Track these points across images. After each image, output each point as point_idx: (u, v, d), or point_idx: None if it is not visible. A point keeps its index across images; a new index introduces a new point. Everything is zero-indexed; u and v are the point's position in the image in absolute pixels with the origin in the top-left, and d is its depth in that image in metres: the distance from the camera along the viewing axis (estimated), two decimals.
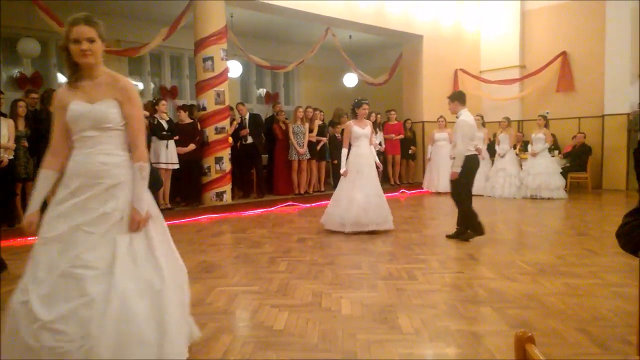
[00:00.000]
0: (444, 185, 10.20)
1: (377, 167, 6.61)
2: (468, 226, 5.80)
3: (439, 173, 10.64)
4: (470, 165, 5.72)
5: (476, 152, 5.80)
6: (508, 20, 12.65)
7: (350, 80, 12.64)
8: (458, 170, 5.65)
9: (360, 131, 6.41)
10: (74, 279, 2.20)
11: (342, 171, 6.41)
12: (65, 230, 2.26)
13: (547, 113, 11.25)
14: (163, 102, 7.99)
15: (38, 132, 6.60)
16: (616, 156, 10.96)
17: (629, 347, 2.72)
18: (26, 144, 6.50)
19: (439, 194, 10.63)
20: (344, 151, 6.44)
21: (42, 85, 9.35)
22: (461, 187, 5.76)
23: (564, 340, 2.87)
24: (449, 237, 5.93)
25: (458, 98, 5.94)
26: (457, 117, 5.89)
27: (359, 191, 6.26)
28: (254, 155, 9.53)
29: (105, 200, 2.32)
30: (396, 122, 11.42)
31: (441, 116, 10.87)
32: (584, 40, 11.45)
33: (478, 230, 5.74)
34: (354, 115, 6.56)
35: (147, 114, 7.30)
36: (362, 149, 6.42)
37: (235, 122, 9.33)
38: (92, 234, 2.27)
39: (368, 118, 7.06)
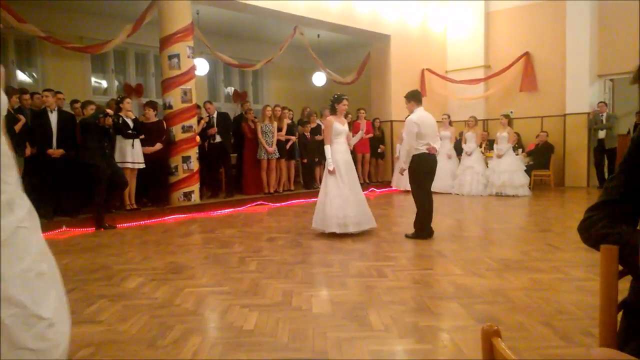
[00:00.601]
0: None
1: None
2: (424, 225, 5.93)
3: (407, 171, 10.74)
4: (422, 163, 5.84)
5: (427, 151, 5.83)
6: (473, 21, 12.89)
7: (319, 79, 12.65)
8: (405, 166, 5.95)
9: (340, 127, 6.18)
10: None
11: (330, 168, 6.07)
12: None
13: (512, 112, 11.52)
14: (128, 100, 7.79)
15: None
16: (578, 154, 11.30)
17: (591, 339, 2.80)
18: None
19: (407, 192, 10.71)
20: (327, 147, 6.14)
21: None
22: (417, 186, 5.98)
23: (529, 333, 2.93)
24: (407, 236, 5.97)
25: (414, 97, 6.07)
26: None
27: (349, 188, 6.05)
28: (223, 154, 9.44)
29: None
30: (365, 120, 11.45)
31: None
32: (546, 41, 11.76)
33: (426, 232, 5.88)
34: (333, 111, 6.21)
35: (111, 112, 7.13)
36: (343, 146, 6.20)
37: (203, 121, 9.22)
38: None
39: (345, 117, 6.91)
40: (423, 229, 5.90)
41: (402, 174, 6.02)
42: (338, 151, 6.14)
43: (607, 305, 1.35)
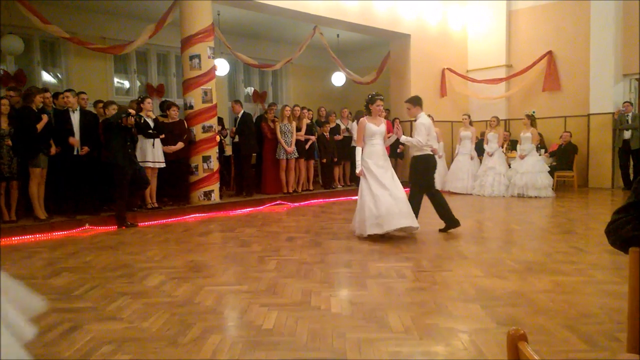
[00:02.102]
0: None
1: None
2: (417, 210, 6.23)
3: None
4: (427, 164, 6.23)
5: (431, 152, 6.23)
6: (494, 20, 12.74)
7: (338, 79, 12.64)
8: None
9: (374, 128, 6.02)
10: None
11: (357, 171, 6.01)
12: None
13: (534, 112, 11.35)
14: (148, 100, 7.88)
15: (21, 130, 6.49)
16: (602, 155, 11.09)
17: (616, 344, 2.74)
18: (10, 142, 6.39)
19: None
20: (358, 149, 6.06)
21: (26, 83, 9.21)
22: (421, 186, 6.27)
23: (553, 337, 2.88)
24: (441, 230, 6.30)
25: (419, 102, 6.35)
26: (414, 120, 6.36)
27: (381, 187, 5.85)
28: (245, 154, 9.51)
29: None
30: (387, 120, 11.41)
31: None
32: (570, 40, 11.57)
33: (453, 221, 6.26)
34: (368, 112, 6.15)
35: (134, 112, 7.22)
36: (377, 147, 6.03)
37: (227, 130, 9.35)
38: None
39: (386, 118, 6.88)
40: (451, 219, 6.26)
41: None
42: (372, 153, 6.01)
43: (635, 309, 1.32)
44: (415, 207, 6.15)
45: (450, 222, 6.26)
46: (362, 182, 5.99)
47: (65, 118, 7.06)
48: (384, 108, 6.51)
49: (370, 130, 6.00)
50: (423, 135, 6.07)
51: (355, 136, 7.23)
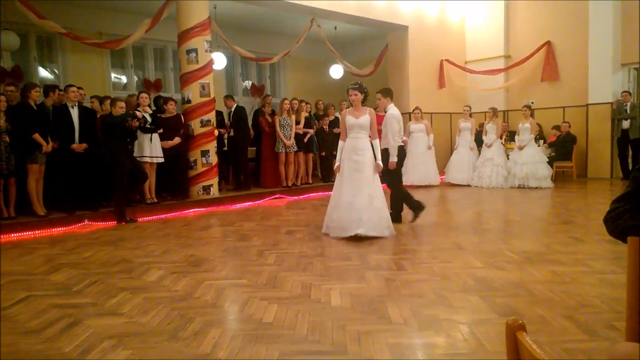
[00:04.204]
0: (420, 178, 10.35)
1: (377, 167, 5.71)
2: (400, 209, 6.34)
3: (415, 165, 10.27)
4: (401, 155, 6.24)
5: (402, 144, 6.26)
6: (492, 11, 12.68)
7: (336, 71, 12.60)
8: (395, 160, 6.09)
9: (352, 121, 5.59)
10: None
11: (335, 166, 5.79)
12: None
13: (532, 102, 11.34)
14: (144, 95, 7.83)
15: (19, 127, 6.47)
16: (600, 145, 11.08)
17: (615, 333, 2.75)
18: (7, 139, 6.37)
19: (418, 187, 10.21)
20: (340, 144, 5.74)
21: (23, 79, 9.17)
22: (393, 176, 6.24)
23: (552, 327, 2.89)
24: (412, 221, 6.31)
25: (390, 94, 6.38)
26: (385, 112, 6.33)
27: (346, 189, 5.52)
28: (240, 147, 9.49)
29: None
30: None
31: (417, 107, 10.84)
32: (568, 29, 11.52)
33: (418, 206, 6.26)
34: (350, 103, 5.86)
35: (140, 115, 7.18)
36: (357, 142, 5.58)
37: (222, 131, 9.33)
38: None
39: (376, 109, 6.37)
40: (415, 207, 6.27)
41: (392, 168, 6.11)
42: (351, 148, 5.60)
43: (634, 298, 1.32)
44: (399, 206, 6.29)
45: (412, 210, 6.29)
46: (338, 177, 5.72)
47: (65, 113, 7.01)
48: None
49: (348, 122, 5.64)
50: (395, 128, 6.10)
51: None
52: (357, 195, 5.46)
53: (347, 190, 5.51)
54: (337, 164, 5.73)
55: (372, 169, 5.60)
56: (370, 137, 5.66)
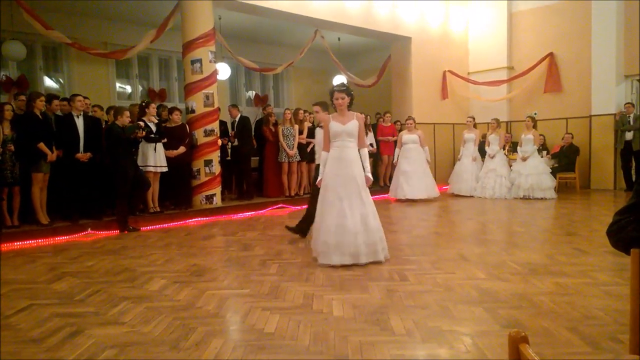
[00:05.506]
0: (419, 193, 9.69)
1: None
2: (305, 224, 6.03)
3: (411, 179, 9.79)
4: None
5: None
6: (495, 22, 12.74)
7: (339, 82, 12.63)
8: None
9: (339, 128, 4.86)
10: None
11: (317, 180, 5.07)
12: None
13: (535, 114, 11.34)
14: (153, 105, 7.92)
15: (24, 136, 6.51)
16: (604, 156, 11.06)
17: (619, 346, 2.73)
18: (12, 147, 6.40)
19: (411, 201, 9.75)
20: (323, 155, 4.97)
21: (29, 88, 9.24)
22: (317, 191, 5.21)
23: (555, 339, 2.87)
24: (288, 228, 6.22)
25: (327, 108, 5.57)
26: (318, 125, 6.06)
27: (338, 211, 4.76)
28: (243, 157, 9.52)
29: None
30: (390, 124, 11.34)
31: (410, 117, 10.39)
32: (571, 41, 11.56)
33: (303, 231, 6.07)
34: (334, 109, 5.05)
35: (142, 125, 7.23)
36: (344, 152, 4.84)
37: (223, 140, 9.36)
38: None
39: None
40: (303, 230, 6.06)
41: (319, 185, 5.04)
42: (336, 158, 4.85)
43: (638, 310, 1.32)
44: (312, 215, 5.40)
45: (301, 230, 6.08)
46: (321, 191, 4.94)
47: (70, 122, 7.04)
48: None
49: (333, 129, 4.88)
50: (318, 142, 5.92)
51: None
52: (347, 217, 4.72)
53: (334, 211, 4.76)
54: (319, 177, 4.98)
55: (362, 183, 4.86)
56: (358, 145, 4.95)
